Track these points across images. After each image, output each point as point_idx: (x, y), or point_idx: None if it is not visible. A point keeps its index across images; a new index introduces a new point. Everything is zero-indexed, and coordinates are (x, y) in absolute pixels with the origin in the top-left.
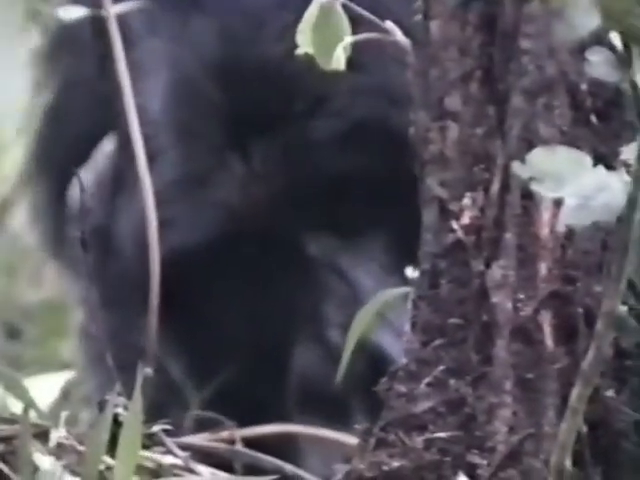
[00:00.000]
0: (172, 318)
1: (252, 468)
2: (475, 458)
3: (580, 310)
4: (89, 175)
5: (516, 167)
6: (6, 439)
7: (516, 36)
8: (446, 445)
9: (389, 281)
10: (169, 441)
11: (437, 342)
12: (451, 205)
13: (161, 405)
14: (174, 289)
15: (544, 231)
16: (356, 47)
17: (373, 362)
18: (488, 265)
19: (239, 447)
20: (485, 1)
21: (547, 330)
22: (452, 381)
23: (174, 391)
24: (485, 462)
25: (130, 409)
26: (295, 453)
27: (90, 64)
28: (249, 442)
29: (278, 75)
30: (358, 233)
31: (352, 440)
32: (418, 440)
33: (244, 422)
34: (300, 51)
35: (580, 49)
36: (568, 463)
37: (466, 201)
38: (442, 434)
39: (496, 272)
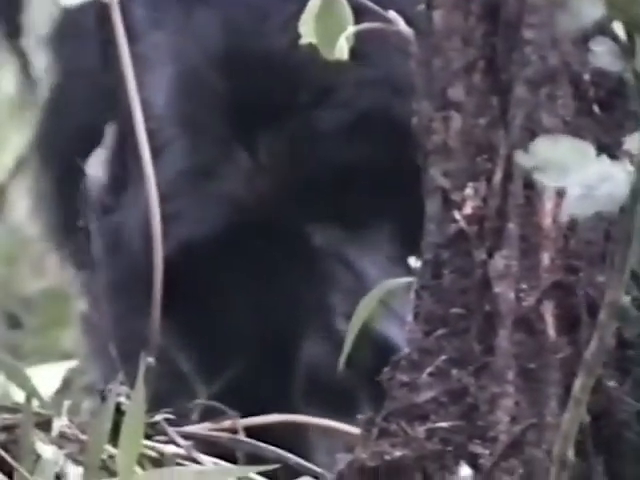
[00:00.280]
0: (179, 311)
1: (254, 457)
2: (477, 448)
3: (582, 300)
4: (100, 163)
5: (519, 157)
6: (8, 428)
7: (519, 26)
8: (448, 435)
9: (395, 271)
10: (171, 430)
11: (439, 332)
12: (454, 195)
13: (168, 397)
14: (181, 282)
15: (547, 221)
16: (361, 38)
17: (380, 353)
18: (491, 255)
19: (241, 436)
20: None
21: (549, 320)
22: (454, 371)
23: (181, 383)
24: (487, 452)
25: (133, 398)
26: (303, 446)
27: (93, 53)
28: (255, 434)
29: (283, 66)
30: (364, 224)
31: (357, 430)
32: (420, 430)
33: (251, 414)
34: (303, 41)
35: (583, 39)
36: (570, 453)
37: (469, 191)
38: (444, 424)
39: (499, 262)
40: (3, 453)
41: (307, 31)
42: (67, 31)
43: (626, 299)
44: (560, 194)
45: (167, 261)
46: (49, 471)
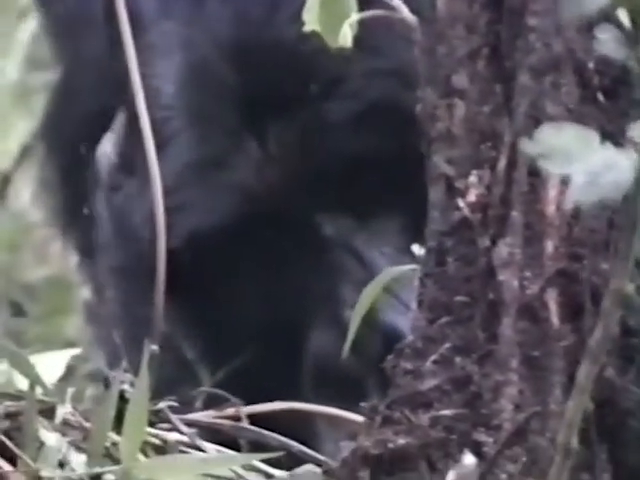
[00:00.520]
0: (188, 301)
1: (258, 445)
2: (481, 436)
3: (586, 288)
4: (109, 149)
5: (523, 144)
6: (12, 415)
7: (523, 13)
8: (452, 423)
9: (404, 262)
10: (175, 418)
11: (443, 320)
12: (458, 183)
13: (173, 385)
14: (190, 271)
15: (551, 209)
16: (370, 29)
17: (388, 343)
18: (494, 243)
19: (245, 424)
20: None
21: (553, 308)
22: (458, 359)
23: (186, 371)
24: (491, 440)
25: (136, 386)
26: (310, 436)
27: (100, 41)
28: (260, 423)
29: (292, 57)
30: (373, 214)
31: (361, 418)
32: (424, 418)
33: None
34: (307, 29)
35: (588, 27)
36: (574, 441)
37: (473, 179)
38: (448, 412)
39: (502, 250)
40: (7, 440)
41: (311, 18)
42: (74, 18)
43: (630, 287)
44: (564, 182)
45: (176, 250)
46: (52, 458)
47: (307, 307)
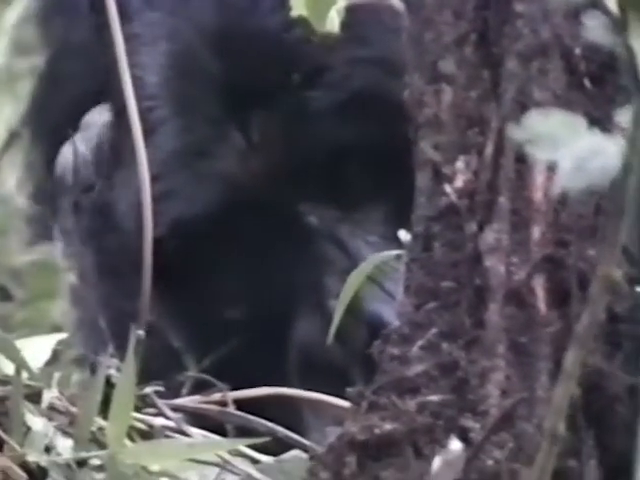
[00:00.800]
0: (172, 290)
1: (244, 430)
2: (468, 422)
3: (573, 274)
4: (82, 142)
5: (511, 130)
6: None
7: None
8: (439, 408)
9: (389, 250)
10: (161, 403)
11: (430, 305)
12: (445, 168)
13: (159, 374)
14: (174, 260)
15: (538, 195)
16: (354, 17)
17: (373, 331)
18: (481, 229)
19: (231, 409)
20: None
21: (540, 294)
22: (445, 344)
23: (172, 360)
24: (478, 426)
25: (123, 371)
26: (298, 423)
27: (86, 28)
28: (247, 409)
29: (276, 46)
30: (358, 204)
31: (347, 404)
32: (411, 403)
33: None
34: (293, 14)
35: (575, 13)
36: (561, 427)
37: (460, 164)
38: (435, 397)
39: (489, 236)
40: None
41: (298, 3)
42: (61, 3)
43: (617, 273)
44: (551, 168)
45: (160, 239)
46: (39, 443)
47: (292, 296)
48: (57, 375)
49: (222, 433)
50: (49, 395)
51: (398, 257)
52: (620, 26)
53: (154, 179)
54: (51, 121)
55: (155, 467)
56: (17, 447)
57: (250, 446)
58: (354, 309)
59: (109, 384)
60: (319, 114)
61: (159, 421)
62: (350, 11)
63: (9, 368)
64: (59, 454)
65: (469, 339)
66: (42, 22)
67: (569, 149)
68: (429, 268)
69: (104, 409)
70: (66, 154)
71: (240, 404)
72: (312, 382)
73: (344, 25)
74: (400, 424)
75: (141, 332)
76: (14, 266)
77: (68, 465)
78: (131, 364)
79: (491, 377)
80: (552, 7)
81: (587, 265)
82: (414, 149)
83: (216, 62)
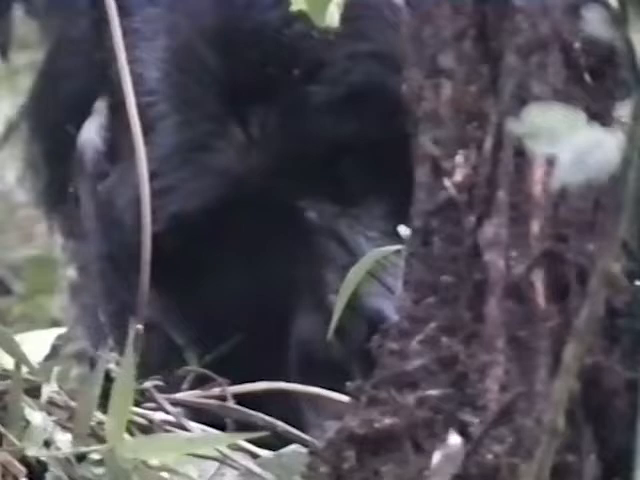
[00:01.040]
0: (171, 285)
1: (244, 425)
2: (467, 416)
3: (572, 268)
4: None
5: (510, 124)
6: None
7: None
8: (438, 403)
9: (389, 246)
10: (160, 397)
11: (429, 300)
12: (444, 163)
13: (159, 369)
14: (173, 256)
15: (537, 189)
16: (354, 12)
17: (373, 327)
18: (480, 223)
19: (230, 404)
20: None
21: (539, 288)
22: (444, 339)
23: (173, 356)
24: (477, 420)
25: (122, 365)
26: (298, 417)
27: (85, 23)
28: (247, 403)
29: (276, 41)
30: (358, 199)
31: (346, 398)
32: (410, 398)
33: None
34: (293, 8)
35: (574, 7)
36: (560, 422)
37: (459, 159)
38: (434, 392)
39: (488, 230)
40: None
41: None
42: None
43: (616, 267)
44: (550, 162)
45: (160, 234)
46: (38, 437)
47: (291, 291)
48: (56, 369)
49: (222, 428)
50: (48, 389)
51: (398, 252)
52: (619, 20)
53: (153, 174)
54: (51, 116)
55: (154, 461)
56: (16, 441)
57: (250, 441)
58: (354, 304)
59: (108, 378)
60: (319, 109)
61: (158, 415)
62: (348, 6)
63: (8, 362)
64: (58, 448)
65: (468, 333)
66: (42, 17)
67: (568, 143)
68: (428, 262)
69: (103, 403)
70: (86, 136)
71: (240, 399)
72: (312, 377)
73: (344, 20)
74: (399, 419)
75: (140, 326)
76: (13, 261)
77: (67, 459)
78: (130, 358)
79: (490, 371)
80: (551, 1)
81: (586, 259)
82: (413, 144)
83: (216, 57)
